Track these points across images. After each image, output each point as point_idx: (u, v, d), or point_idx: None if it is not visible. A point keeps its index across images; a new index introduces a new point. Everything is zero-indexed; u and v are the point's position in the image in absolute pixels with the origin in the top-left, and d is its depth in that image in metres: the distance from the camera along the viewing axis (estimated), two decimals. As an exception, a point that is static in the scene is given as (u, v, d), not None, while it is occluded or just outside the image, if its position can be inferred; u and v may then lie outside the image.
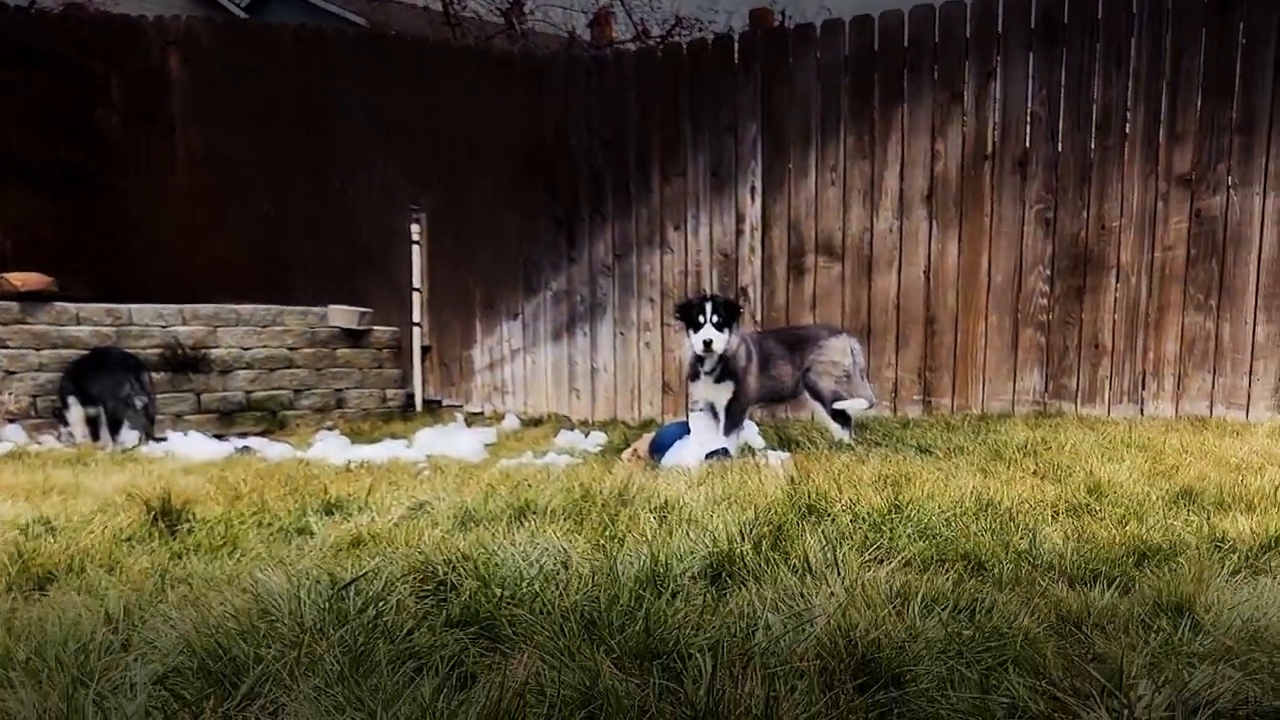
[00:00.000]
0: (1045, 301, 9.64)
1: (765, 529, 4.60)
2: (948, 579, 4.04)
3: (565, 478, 6.60)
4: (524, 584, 3.85)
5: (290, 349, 11.55)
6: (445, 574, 4.04)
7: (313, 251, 12.80)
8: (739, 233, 11.02)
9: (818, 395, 8.52)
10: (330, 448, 9.79)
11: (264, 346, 11.43)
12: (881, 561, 4.33)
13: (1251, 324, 8.87)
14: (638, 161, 11.37)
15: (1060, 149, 9.61)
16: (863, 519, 5.01)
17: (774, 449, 8.10)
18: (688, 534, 4.57)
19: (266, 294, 11.80)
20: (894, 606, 3.68)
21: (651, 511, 5.21)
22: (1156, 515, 5.18)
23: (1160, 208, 9.30)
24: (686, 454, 7.93)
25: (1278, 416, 8.74)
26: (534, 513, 5.33)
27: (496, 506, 5.47)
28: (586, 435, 10.52)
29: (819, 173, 10.56)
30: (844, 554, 4.29)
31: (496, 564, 4.08)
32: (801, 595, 3.79)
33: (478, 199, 12.15)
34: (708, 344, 7.93)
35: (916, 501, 5.24)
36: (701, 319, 7.93)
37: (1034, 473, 6.34)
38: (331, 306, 11.73)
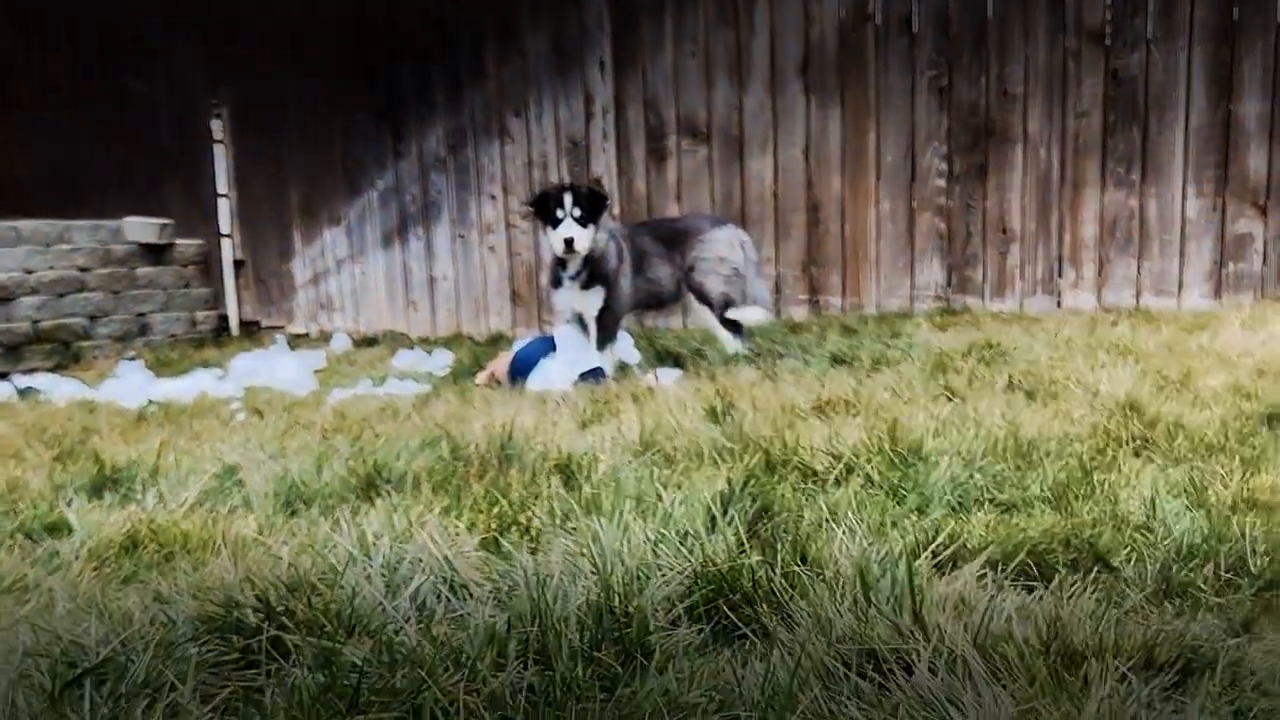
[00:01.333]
0: (943, 182, 8.29)
1: (756, 514, 3.15)
2: (1091, 598, 2.59)
3: (418, 416, 5.34)
4: (393, 641, 2.36)
5: (82, 270, 9.69)
6: (261, 624, 2.48)
7: (111, 162, 10.85)
8: (589, 116, 9.41)
9: (704, 298, 7.08)
10: (127, 385, 8.12)
11: (51, 269, 9.49)
12: (956, 565, 2.85)
13: (1180, 199, 7.39)
14: (470, 41, 9.74)
15: (951, 4, 8.22)
16: (872, 481, 3.64)
17: (656, 366, 6.92)
18: (631, 520, 3.04)
19: (63, 214, 9.91)
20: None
21: (553, 471, 3.88)
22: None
23: (1071, 69, 8.05)
24: (555, 375, 6.66)
25: (1216, 303, 7.10)
26: (388, 482, 3.94)
27: (335, 476, 4.06)
28: (430, 354, 9.00)
29: (676, 43, 8.99)
30: (898, 557, 2.71)
31: (344, 599, 2.58)
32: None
33: (292, 91, 10.41)
34: (569, 243, 6.60)
35: (932, 452, 3.87)
36: (560, 213, 6.58)
37: (1019, 390, 5.10)
38: (127, 219, 9.68)
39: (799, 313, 8.76)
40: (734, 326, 7.05)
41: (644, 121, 9.15)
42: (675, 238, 7.10)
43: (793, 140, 8.71)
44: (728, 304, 7.00)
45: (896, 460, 3.69)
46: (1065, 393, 4.86)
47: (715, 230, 7.14)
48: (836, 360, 6.50)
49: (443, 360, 8.73)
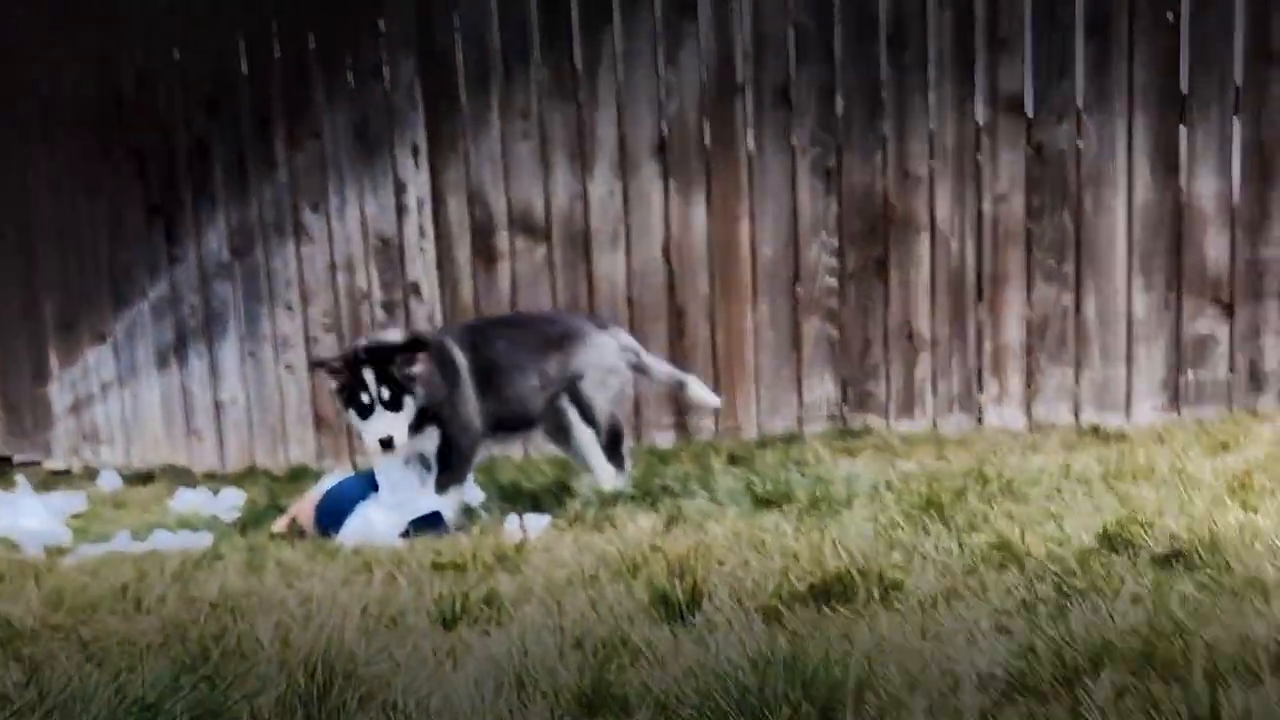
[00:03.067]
0: (834, 280, 6.56)
1: None
2: None
3: (177, 600, 3.54)
4: None
5: None
6: None
7: None
8: (401, 210, 7.38)
9: (590, 418, 5.37)
10: None
11: None
12: None
13: (1125, 294, 5.67)
14: (255, 123, 7.62)
15: (837, 70, 6.51)
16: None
17: (515, 509, 5.14)
18: None
19: None
20: None
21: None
22: None
23: (985, 143, 6.38)
24: (378, 523, 4.95)
25: (1171, 417, 6.08)
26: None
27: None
28: (216, 494, 6.98)
29: (505, 121, 7.07)
30: None
31: None
32: None
33: (44, 181, 8.23)
34: (386, 443, 4.82)
35: None
36: (365, 396, 4.76)
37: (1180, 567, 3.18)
38: None
39: (663, 439, 6.93)
40: (617, 456, 5.36)
41: (469, 215, 7.21)
42: (547, 342, 5.32)
43: (649, 233, 6.89)
44: (615, 429, 5.36)
45: None
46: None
47: (600, 335, 5.43)
48: (761, 500, 4.73)
49: (232, 500, 6.82)
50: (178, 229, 7.89)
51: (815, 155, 6.52)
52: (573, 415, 5.27)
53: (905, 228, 6.41)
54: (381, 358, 4.73)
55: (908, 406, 6.52)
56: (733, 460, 5.96)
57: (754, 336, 6.75)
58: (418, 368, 4.81)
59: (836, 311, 6.60)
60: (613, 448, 5.30)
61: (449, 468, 5.01)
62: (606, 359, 5.32)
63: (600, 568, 3.66)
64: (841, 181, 6.50)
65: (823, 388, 6.67)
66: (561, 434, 5.47)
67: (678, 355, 6.84)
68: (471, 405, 5.04)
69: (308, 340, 7.71)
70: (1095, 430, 5.95)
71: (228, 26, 7.59)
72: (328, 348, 7.37)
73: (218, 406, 8.01)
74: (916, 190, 6.37)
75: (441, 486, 4.99)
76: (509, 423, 5.27)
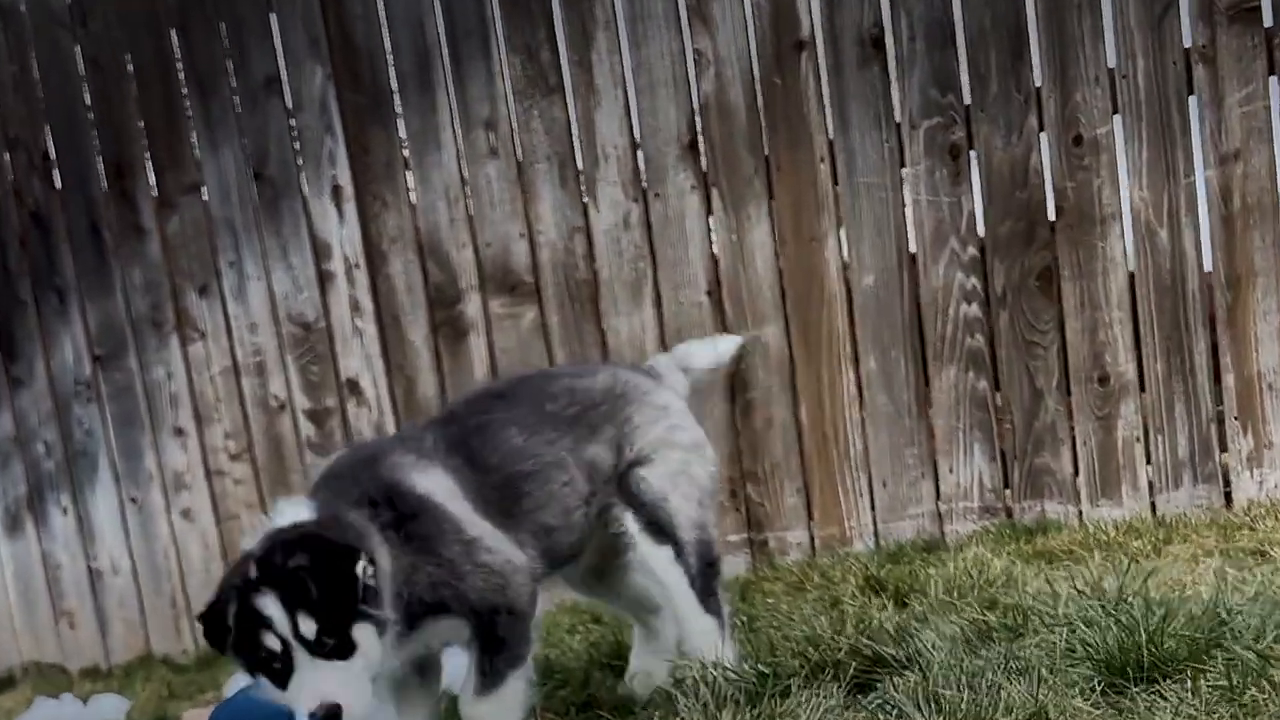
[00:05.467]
0: (977, 309, 3.50)
1: None
2: None
3: None
4: None
5: None
6: None
7: None
8: (324, 278, 4.87)
9: (665, 529, 2.66)
10: None
11: None
12: None
13: None
14: (111, 178, 5.19)
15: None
16: None
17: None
18: None
19: None
20: None
21: None
22: None
23: (1203, 76, 3.81)
24: None
25: None
26: None
27: None
28: (86, 702, 4.78)
29: (464, 137, 4.59)
30: None
31: None
32: None
33: None
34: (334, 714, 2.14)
35: None
36: (270, 641, 2.19)
37: None
38: None
39: (733, 564, 4.30)
40: (712, 597, 2.74)
41: (421, 277, 4.73)
42: (578, 415, 2.75)
43: (686, 271, 4.38)
44: (708, 549, 2.77)
45: None
46: None
47: (661, 392, 2.86)
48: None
49: (112, 710, 4.71)
50: (18, 343, 5.53)
51: (932, 130, 4.05)
52: (631, 527, 2.67)
53: (1082, 220, 3.96)
54: (283, 580, 2.24)
55: (1109, 483, 3.95)
56: (869, 583, 3.41)
57: (858, 405, 4.27)
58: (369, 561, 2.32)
59: (983, 354, 4.11)
60: (706, 582, 2.73)
61: (495, 652, 2.47)
62: (681, 430, 2.80)
63: None
64: (976, 163, 4.05)
65: (970, 467, 4.17)
66: (603, 568, 2.93)
67: (743, 444, 4.32)
68: (488, 536, 2.50)
69: (209, 475, 5.24)
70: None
71: (55, 45, 5.04)
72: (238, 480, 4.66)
73: (93, 577, 5.63)
74: (1095, 162, 3.93)
75: (488, 687, 2.46)
76: (554, 557, 2.71)
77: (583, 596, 3.23)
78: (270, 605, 2.23)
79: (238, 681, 3.55)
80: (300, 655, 2.23)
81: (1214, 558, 3.29)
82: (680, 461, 2.78)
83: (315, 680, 2.23)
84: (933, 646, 2.45)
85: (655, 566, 2.74)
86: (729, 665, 2.58)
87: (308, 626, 2.22)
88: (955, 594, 3.12)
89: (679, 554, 2.72)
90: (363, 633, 2.28)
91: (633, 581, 2.92)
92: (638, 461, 2.74)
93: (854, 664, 2.43)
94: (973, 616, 2.66)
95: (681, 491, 2.75)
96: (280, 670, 2.26)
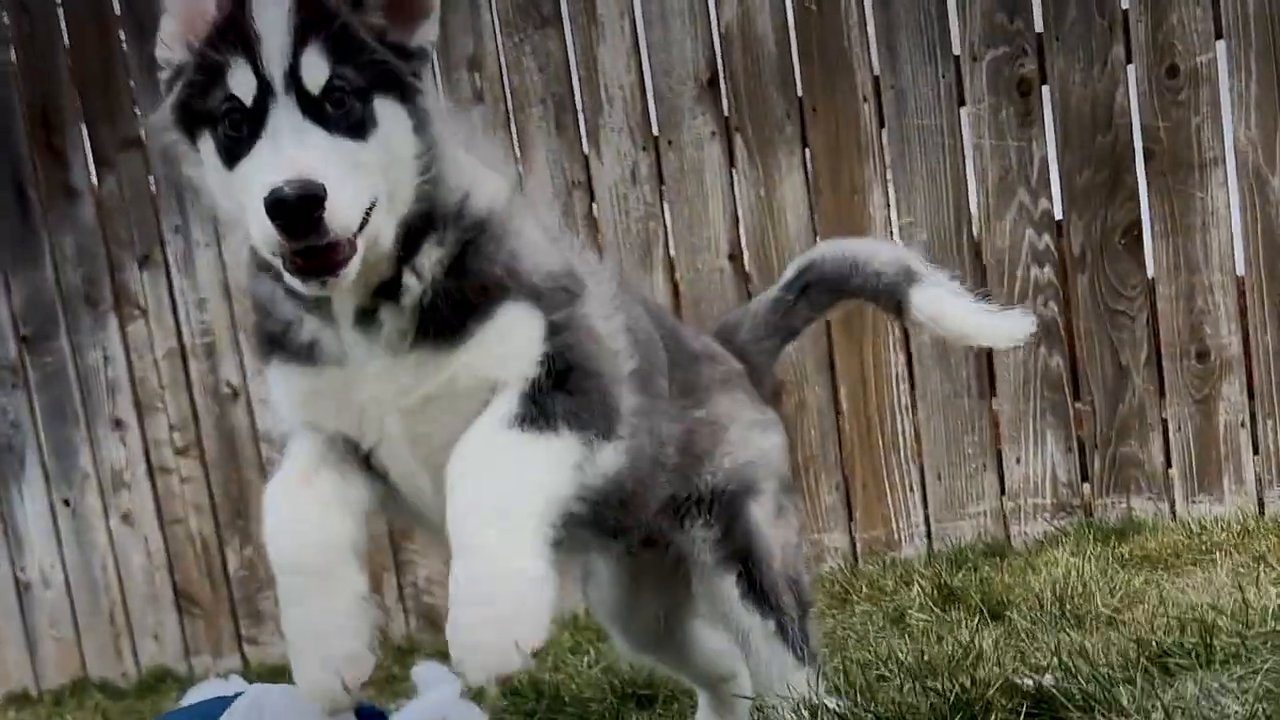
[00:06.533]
0: (1050, 272, 3.22)
1: None
2: None
3: None
4: None
5: None
6: None
7: None
8: None
9: (770, 599, 1.84)
10: None
11: None
12: None
13: None
14: (37, 132, 4.64)
15: None
16: None
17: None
18: None
19: None
20: None
21: None
22: None
23: None
24: None
25: None
26: None
27: None
28: None
29: (444, 75, 3.93)
30: None
31: None
32: None
33: None
34: (304, 205, 1.21)
35: None
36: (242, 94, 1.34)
37: None
38: None
39: None
40: (802, 633, 1.88)
41: None
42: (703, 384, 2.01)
43: (705, 231, 3.82)
44: (799, 584, 1.91)
45: None
46: None
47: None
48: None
49: None
50: (-70, 321, 5.63)
51: (997, 62, 3.48)
52: (726, 591, 1.90)
53: (1177, 166, 3.37)
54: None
55: (1208, 476, 3.38)
56: (941, 594, 2.77)
57: (908, 386, 3.69)
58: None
59: (1058, 325, 3.53)
60: (803, 626, 1.97)
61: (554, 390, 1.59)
62: (778, 450, 2.08)
63: None
64: (1050, 101, 3.46)
65: (1042, 458, 3.58)
66: (671, 626, 2.19)
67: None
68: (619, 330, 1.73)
69: (152, 473, 4.73)
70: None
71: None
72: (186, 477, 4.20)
73: (20, 589, 5.16)
74: (1193, 97, 3.35)
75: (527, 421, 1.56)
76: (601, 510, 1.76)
77: (631, 654, 2.48)
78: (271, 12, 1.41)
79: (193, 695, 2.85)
80: (281, 108, 1.39)
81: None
82: (778, 492, 2.04)
83: (297, 143, 1.39)
84: (1110, 680, 1.81)
85: (755, 642, 1.96)
86: (814, 701, 1.84)
87: (315, 64, 1.40)
88: (1062, 607, 2.53)
89: (782, 627, 1.96)
90: (389, 112, 1.46)
91: (705, 647, 2.24)
92: (745, 489, 1.97)
93: (1008, 704, 1.76)
94: (1139, 635, 2.04)
95: (783, 521, 2.01)
96: (242, 143, 1.39)
